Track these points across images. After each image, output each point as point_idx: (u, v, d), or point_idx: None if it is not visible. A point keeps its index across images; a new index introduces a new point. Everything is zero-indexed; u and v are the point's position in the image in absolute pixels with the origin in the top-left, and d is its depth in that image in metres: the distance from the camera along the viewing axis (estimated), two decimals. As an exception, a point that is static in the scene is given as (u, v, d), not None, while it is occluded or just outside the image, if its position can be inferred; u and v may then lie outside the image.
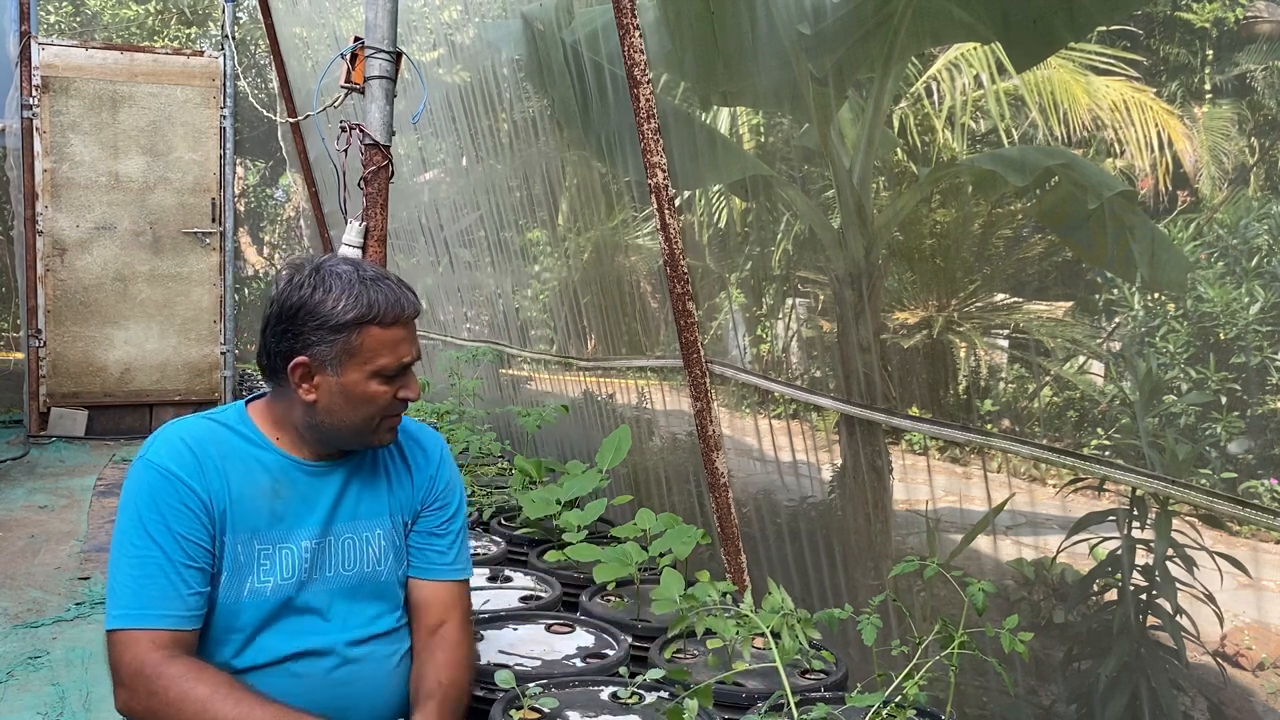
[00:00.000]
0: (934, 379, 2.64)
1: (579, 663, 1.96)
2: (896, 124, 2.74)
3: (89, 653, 3.41)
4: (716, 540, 2.93)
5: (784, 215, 3.16)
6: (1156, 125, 2.19)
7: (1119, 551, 2.13)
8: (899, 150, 2.82)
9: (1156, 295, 2.13)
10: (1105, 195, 2.18)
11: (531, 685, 1.75)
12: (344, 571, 1.67)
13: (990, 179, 2.48)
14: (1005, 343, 2.55)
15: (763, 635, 1.86)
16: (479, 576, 2.41)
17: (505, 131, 4.71)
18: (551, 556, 2.62)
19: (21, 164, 6.98)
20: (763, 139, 3.37)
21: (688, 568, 2.23)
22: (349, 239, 3.26)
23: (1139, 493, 2.06)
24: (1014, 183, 2.36)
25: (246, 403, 1.70)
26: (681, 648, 2.06)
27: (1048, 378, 2.36)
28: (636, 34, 2.80)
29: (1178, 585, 2.07)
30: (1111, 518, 2.16)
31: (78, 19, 12.10)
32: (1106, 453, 2.11)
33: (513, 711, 1.71)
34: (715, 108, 3.44)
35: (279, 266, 12.63)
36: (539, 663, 1.95)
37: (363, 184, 3.27)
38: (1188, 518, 2.02)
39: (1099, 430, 2.23)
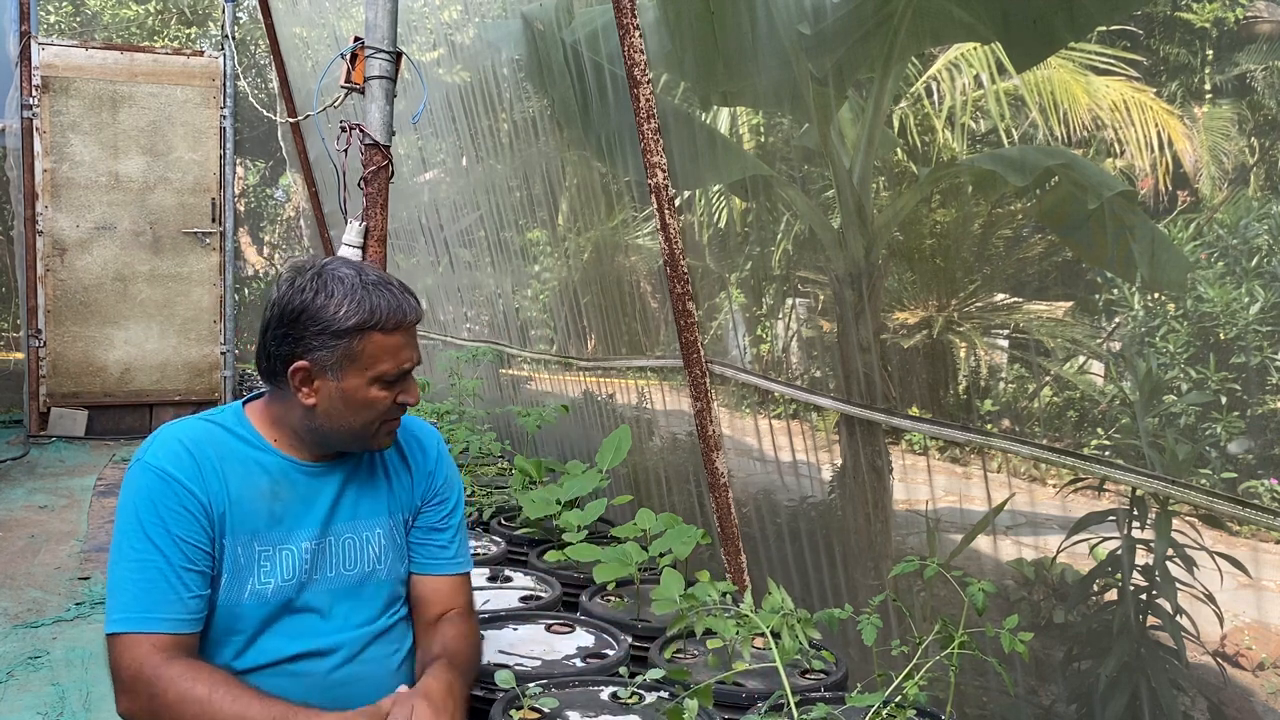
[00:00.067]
0: (934, 379, 2.64)
1: (579, 663, 1.96)
2: (896, 124, 2.74)
3: (89, 653, 3.41)
4: (716, 540, 2.93)
5: (784, 215, 3.16)
6: (1156, 125, 2.19)
7: (1119, 551, 2.13)
8: (899, 150, 2.82)
9: (1156, 295, 2.13)
10: (1105, 195, 2.18)
11: (531, 685, 1.75)
12: (345, 571, 1.67)
13: (990, 179, 2.48)
14: (1005, 343, 2.55)
15: (763, 635, 1.86)
16: (479, 576, 2.41)
17: (505, 131, 4.71)
18: (551, 556, 2.62)
19: (21, 164, 6.98)
20: (763, 139, 3.37)
21: (688, 568, 2.23)
22: (349, 239, 3.26)
23: (1139, 493, 2.06)
24: (1014, 183, 2.36)
25: (244, 403, 1.69)
26: (681, 648, 2.06)
27: (1048, 378, 2.36)
28: (636, 34, 2.80)
29: (1178, 585, 2.07)
30: (1111, 518, 2.16)
31: (78, 19, 12.10)
32: (1106, 453, 2.11)
33: (513, 711, 1.71)
34: (715, 108, 3.44)
35: (280, 267, 12.64)
36: (539, 663, 1.95)
37: (363, 184, 3.27)
38: (1188, 518, 2.02)
39: (1099, 430, 2.23)
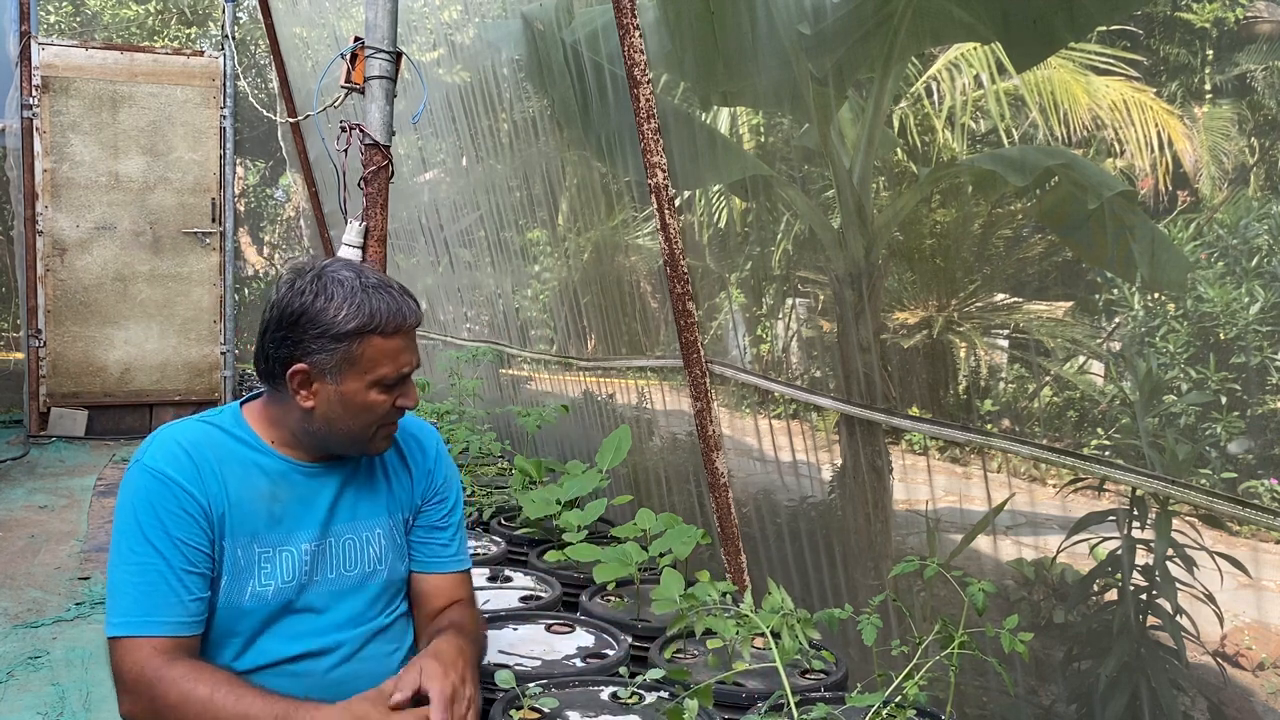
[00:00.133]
0: (934, 379, 2.64)
1: (579, 663, 1.96)
2: (896, 124, 2.74)
3: (89, 653, 3.41)
4: (716, 540, 2.93)
5: (784, 215, 3.16)
6: (1156, 125, 2.19)
7: (1119, 551, 2.13)
8: (899, 150, 2.82)
9: (1156, 295, 2.13)
10: (1105, 195, 2.18)
11: (531, 685, 1.75)
12: (345, 572, 1.66)
13: (990, 179, 2.48)
14: (1005, 343, 2.55)
15: (763, 635, 1.86)
16: (479, 577, 2.41)
17: (505, 131, 4.71)
18: (551, 556, 2.62)
19: (21, 164, 6.98)
20: (763, 139, 3.37)
21: (688, 568, 2.23)
22: (349, 239, 3.26)
23: (1139, 493, 2.06)
24: (1014, 183, 2.36)
25: (241, 404, 1.68)
26: (681, 648, 2.06)
27: (1048, 378, 2.36)
28: (636, 34, 2.80)
29: (1178, 585, 2.07)
30: (1111, 518, 2.16)
31: (78, 19, 12.10)
32: (1106, 453, 2.11)
33: (513, 711, 1.71)
34: (715, 108, 3.44)
35: (280, 267, 12.64)
36: (539, 663, 1.95)
37: (363, 184, 3.27)
38: (1188, 518, 2.02)
39: (1099, 430, 2.23)
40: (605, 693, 1.82)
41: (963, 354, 2.60)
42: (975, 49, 2.49)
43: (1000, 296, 2.58)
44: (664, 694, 1.81)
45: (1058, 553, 2.29)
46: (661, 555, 2.28)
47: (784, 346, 3.23)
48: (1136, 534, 2.08)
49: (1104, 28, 2.17)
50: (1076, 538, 2.23)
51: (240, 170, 12.13)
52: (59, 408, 7.10)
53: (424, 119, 5.34)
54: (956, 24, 2.44)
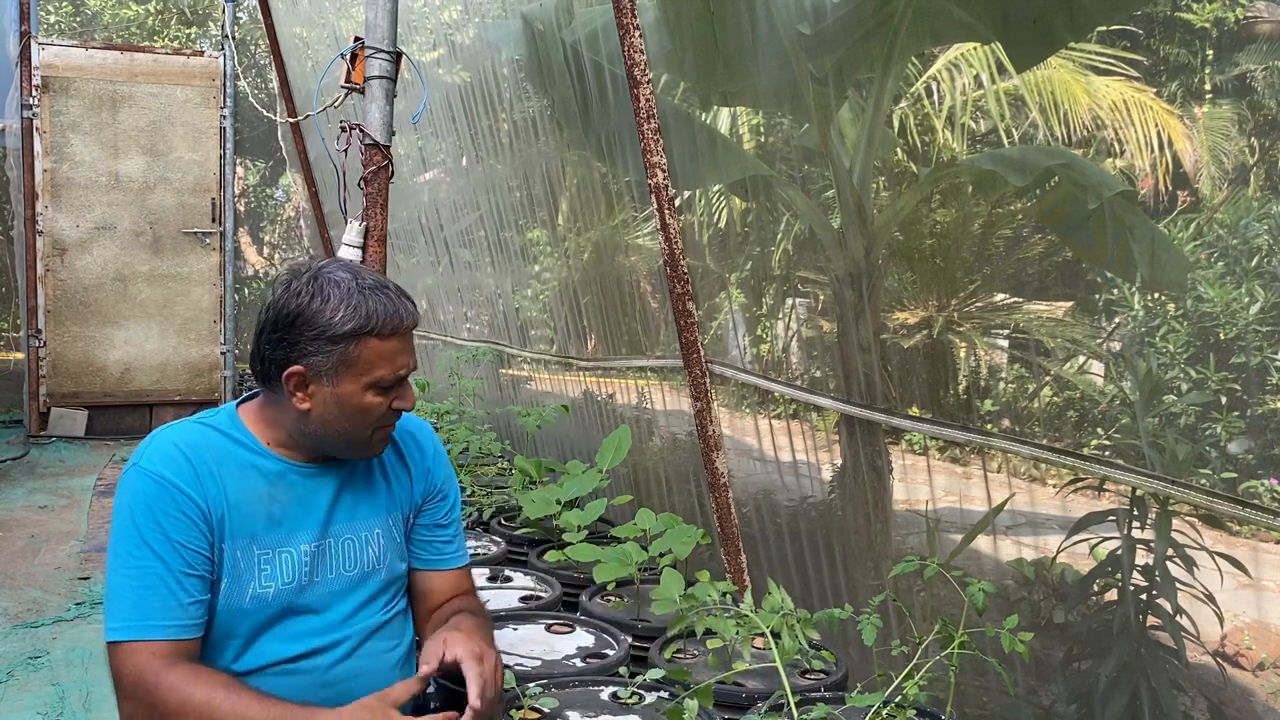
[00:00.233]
0: (934, 379, 2.64)
1: (579, 663, 1.96)
2: (896, 124, 2.74)
3: (89, 653, 3.41)
4: (716, 540, 2.93)
5: (784, 215, 3.16)
6: (1156, 125, 2.19)
7: (1119, 551, 2.13)
8: (899, 150, 2.83)
9: (1156, 295, 2.13)
10: (1105, 195, 2.18)
11: (531, 685, 1.75)
12: (345, 572, 1.66)
13: (990, 179, 2.48)
14: (1005, 343, 2.55)
15: (763, 635, 1.86)
16: (479, 577, 2.41)
17: (505, 131, 4.71)
18: (551, 556, 2.62)
19: (21, 164, 6.98)
20: (763, 139, 3.37)
21: (688, 568, 2.23)
22: (349, 239, 3.26)
23: (1139, 493, 2.06)
24: (1014, 183, 2.36)
25: (238, 405, 1.68)
26: (681, 648, 2.06)
27: (1048, 378, 2.36)
28: (636, 34, 2.80)
29: (1178, 585, 2.07)
30: (1111, 518, 2.16)
31: (78, 19, 12.10)
32: (1106, 453, 2.11)
33: (513, 711, 1.71)
34: (715, 108, 3.44)
35: (280, 267, 12.64)
36: (539, 663, 1.95)
37: (363, 184, 3.27)
38: (1188, 518, 2.02)
39: (1099, 430, 2.23)
40: (605, 693, 1.82)
41: (963, 354, 2.60)
42: (975, 49, 2.49)
43: (1000, 296, 2.58)
44: (664, 694, 1.81)
45: (1058, 553, 2.29)
46: (661, 555, 2.28)
47: (784, 346, 3.23)
48: (1136, 534, 2.08)
49: (1104, 28, 2.17)
50: (1076, 538, 2.23)
51: (240, 170, 12.12)
52: (59, 408, 7.10)
53: (424, 119, 5.34)
54: (956, 24, 2.44)
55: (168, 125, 7.25)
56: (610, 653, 2.00)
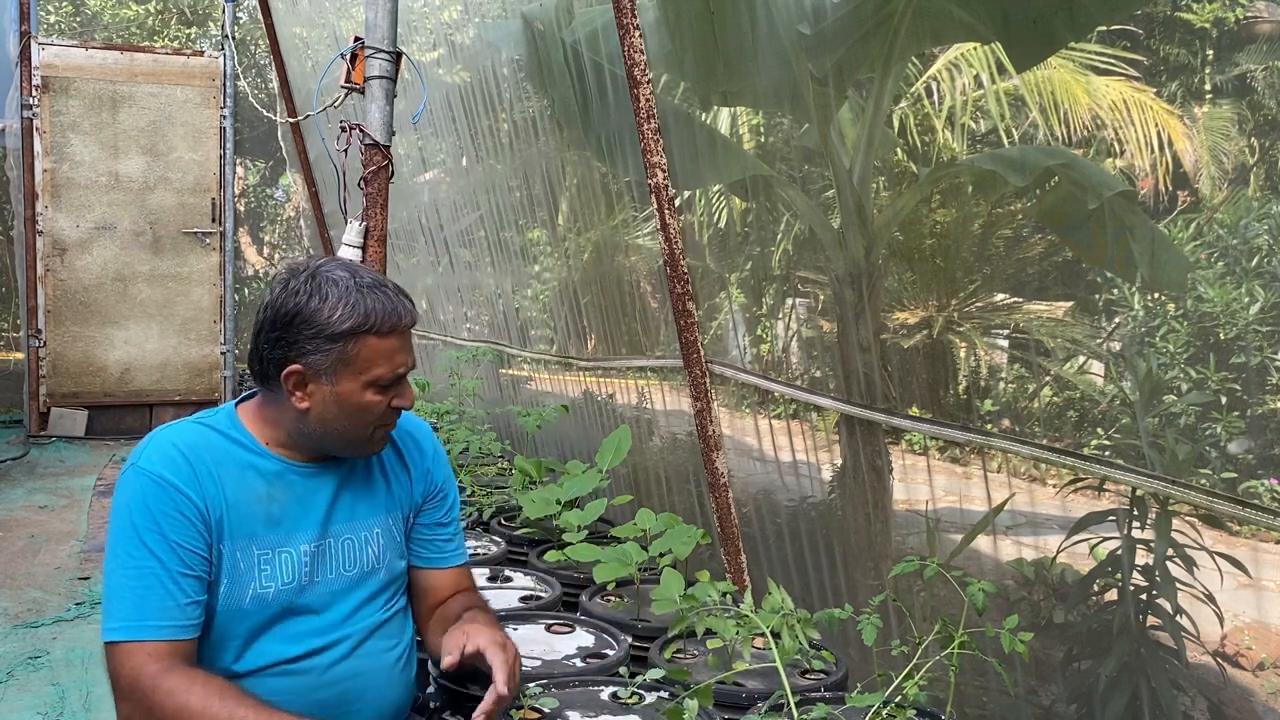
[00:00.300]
0: (934, 379, 2.64)
1: (579, 663, 1.96)
2: (896, 124, 2.74)
3: (89, 653, 3.41)
4: (716, 540, 2.93)
5: (784, 215, 3.16)
6: (1156, 125, 2.19)
7: (1119, 551, 2.13)
8: (899, 150, 2.83)
9: (1156, 295, 2.13)
10: (1105, 195, 2.18)
11: (531, 685, 1.75)
12: (345, 572, 1.66)
13: (990, 179, 2.48)
14: (1005, 343, 2.55)
15: (763, 635, 1.86)
16: (479, 577, 2.41)
17: (505, 131, 4.71)
18: (551, 556, 2.62)
19: (21, 164, 6.98)
20: (763, 139, 3.37)
21: (688, 568, 2.23)
22: (349, 239, 3.26)
23: (1139, 493, 2.06)
24: (1014, 183, 2.36)
25: (236, 405, 1.68)
26: (681, 648, 2.06)
27: (1048, 378, 2.36)
28: (636, 34, 2.80)
29: (1178, 585, 2.07)
30: (1111, 518, 2.16)
31: (78, 19, 12.10)
32: (1106, 453, 2.11)
33: (513, 712, 1.71)
34: (715, 108, 3.44)
35: (280, 267, 12.63)
36: (539, 663, 1.95)
37: (363, 184, 3.27)
38: (1188, 518, 2.02)
39: (1099, 430, 2.23)
40: (605, 693, 1.82)
41: (963, 354, 2.60)
42: (975, 49, 2.49)
43: (1000, 296, 2.58)
44: (664, 694, 1.81)
45: (1058, 553, 2.29)
46: (661, 555, 2.28)
47: (784, 346, 3.23)
48: (1136, 534, 2.08)
49: (1104, 28, 2.17)
50: (1076, 538, 2.23)
51: (240, 170, 12.13)
52: (59, 408, 7.10)
53: (424, 119, 5.34)
54: (956, 24, 2.44)
55: (168, 125, 7.25)
56: (610, 653, 2.00)
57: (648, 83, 2.83)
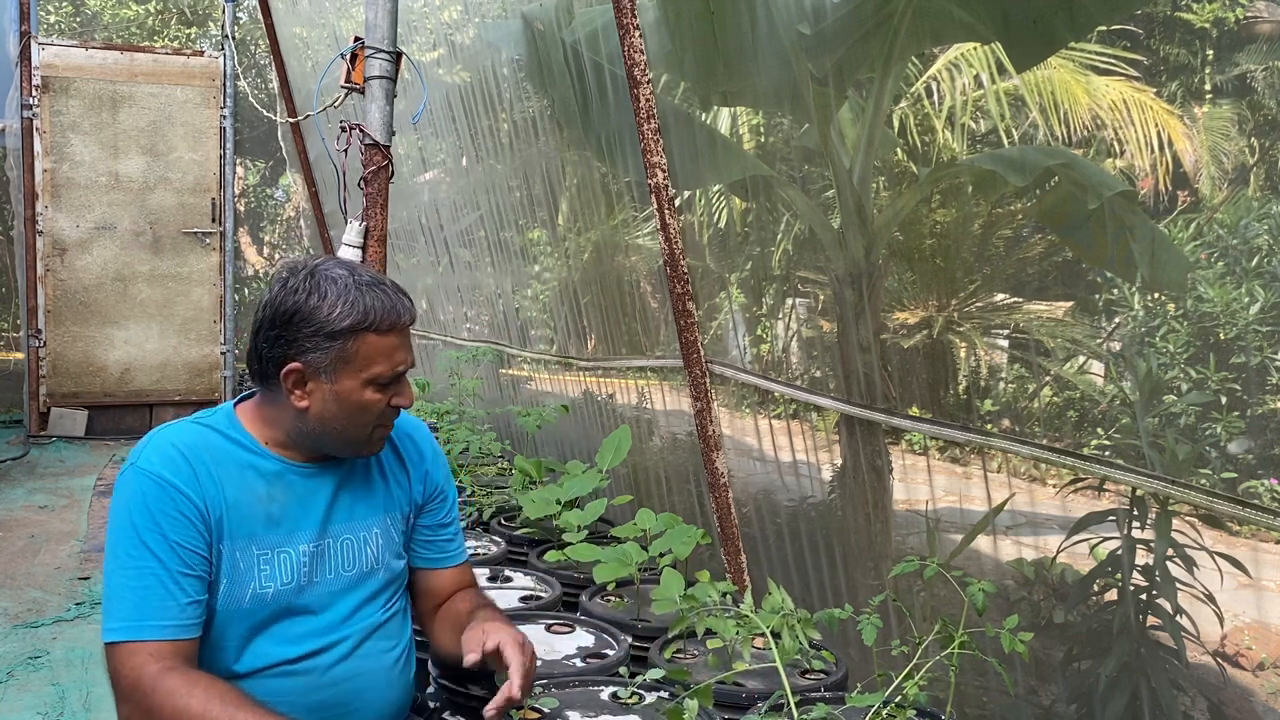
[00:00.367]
0: (934, 379, 2.64)
1: (579, 663, 1.96)
2: (896, 124, 2.74)
3: (89, 653, 3.41)
4: (716, 540, 2.93)
5: (784, 215, 3.16)
6: (1156, 125, 2.19)
7: (1119, 551, 2.13)
8: (899, 150, 2.83)
9: (1156, 295, 2.14)
10: (1105, 195, 2.18)
11: (532, 685, 1.75)
12: (344, 573, 1.66)
13: (990, 179, 2.48)
14: (1005, 343, 2.55)
15: (763, 635, 1.86)
16: (479, 577, 2.41)
17: (505, 131, 4.71)
18: (551, 556, 2.62)
19: (21, 164, 6.98)
20: (763, 139, 3.37)
21: (688, 568, 2.23)
22: (349, 239, 3.26)
23: (1139, 493, 2.06)
24: (1014, 183, 2.36)
25: (235, 404, 1.68)
26: (681, 648, 2.06)
27: (1048, 378, 2.36)
28: (636, 34, 2.80)
29: (1178, 585, 2.07)
30: (1111, 518, 2.16)
31: (78, 19, 12.10)
32: (1106, 453, 2.11)
33: (513, 712, 1.70)
34: (715, 108, 3.44)
35: (278, 266, 12.61)
36: (539, 663, 1.95)
37: (363, 184, 3.27)
38: (1188, 518, 2.02)
39: (1099, 430, 2.23)
40: (605, 693, 1.82)
41: (963, 354, 2.60)
42: (975, 49, 2.49)
43: (1000, 296, 2.58)
44: (664, 694, 1.81)
45: (1058, 553, 2.29)
46: (661, 555, 2.28)
47: (784, 346, 3.23)
48: (1136, 534, 2.08)
49: (1104, 28, 2.17)
50: (1076, 538, 2.23)
51: (240, 170, 12.13)
52: (59, 408, 7.10)
53: (424, 119, 5.34)
54: (956, 24, 2.44)
55: (168, 125, 7.25)
56: (610, 653, 2.00)
57: (648, 83, 2.83)
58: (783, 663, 1.73)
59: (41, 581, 4.16)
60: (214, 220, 7.43)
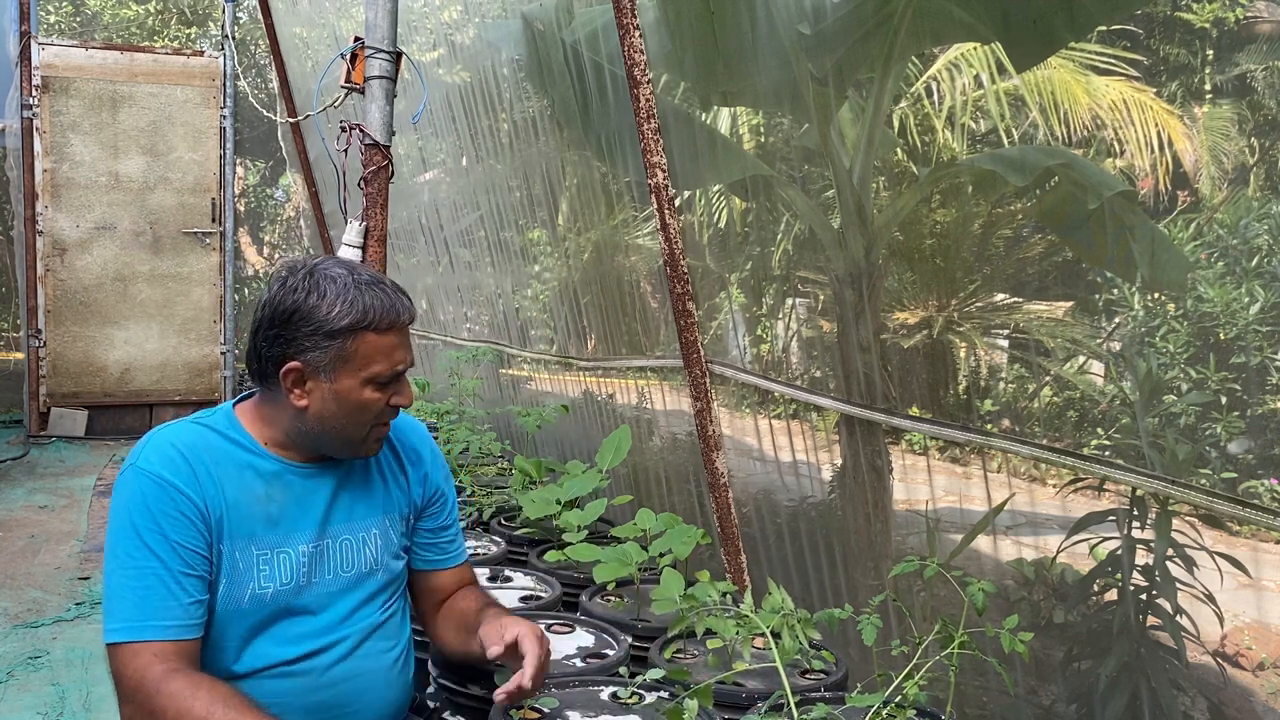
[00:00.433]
0: (934, 379, 2.64)
1: (579, 663, 1.96)
2: (896, 124, 2.74)
3: (89, 653, 3.41)
4: (716, 540, 2.93)
5: (784, 215, 3.16)
6: (1156, 125, 2.19)
7: (1119, 551, 2.13)
8: (899, 150, 2.83)
9: (1156, 295, 2.13)
10: (1105, 195, 2.18)
11: (531, 685, 1.75)
12: (342, 573, 1.66)
13: (990, 179, 2.48)
14: (1005, 343, 2.55)
15: (763, 635, 1.86)
16: (479, 577, 2.41)
17: (505, 131, 4.71)
18: (551, 556, 2.62)
19: (21, 164, 6.98)
20: (763, 139, 3.37)
21: (688, 568, 2.23)
22: (349, 239, 3.26)
23: (1139, 493, 2.06)
24: (1014, 183, 2.36)
25: (234, 404, 1.68)
26: (681, 648, 2.06)
27: (1048, 378, 2.36)
28: (636, 34, 2.80)
29: (1178, 585, 2.07)
30: (1111, 518, 2.16)
31: (78, 19, 12.10)
32: (1106, 453, 2.11)
33: (513, 712, 1.71)
34: (715, 108, 3.44)
35: (278, 266, 12.62)
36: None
37: (363, 184, 3.27)
38: (1188, 518, 2.02)
39: (1099, 430, 2.23)
40: (605, 693, 1.82)
41: (963, 354, 2.60)
42: (975, 49, 2.49)
43: (1000, 296, 2.58)
44: (664, 694, 1.81)
45: (1058, 553, 2.29)
46: (661, 555, 2.28)
47: (784, 346, 3.23)
48: (1136, 534, 2.08)
49: (1104, 28, 2.17)
50: (1076, 538, 2.23)
51: (240, 170, 12.13)
52: (59, 408, 7.10)
53: (424, 119, 5.34)
54: (956, 24, 2.44)
55: (168, 125, 7.25)
56: (610, 653, 2.00)
57: (648, 83, 2.83)
58: (783, 663, 1.73)
59: (41, 581, 4.16)
60: (214, 220, 7.43)
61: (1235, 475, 1.89)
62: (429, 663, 1.97)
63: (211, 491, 1.55)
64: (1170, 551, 2.06)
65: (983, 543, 2.35)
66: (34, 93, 6.91)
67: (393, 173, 3.32)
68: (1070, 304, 2.39)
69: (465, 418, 4.00)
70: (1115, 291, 2.18)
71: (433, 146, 5.94)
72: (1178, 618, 2.08)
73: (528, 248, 4.87)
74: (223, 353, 7.51)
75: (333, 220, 7.96)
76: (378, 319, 1.55)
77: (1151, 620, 2.14)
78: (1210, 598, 2.03)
